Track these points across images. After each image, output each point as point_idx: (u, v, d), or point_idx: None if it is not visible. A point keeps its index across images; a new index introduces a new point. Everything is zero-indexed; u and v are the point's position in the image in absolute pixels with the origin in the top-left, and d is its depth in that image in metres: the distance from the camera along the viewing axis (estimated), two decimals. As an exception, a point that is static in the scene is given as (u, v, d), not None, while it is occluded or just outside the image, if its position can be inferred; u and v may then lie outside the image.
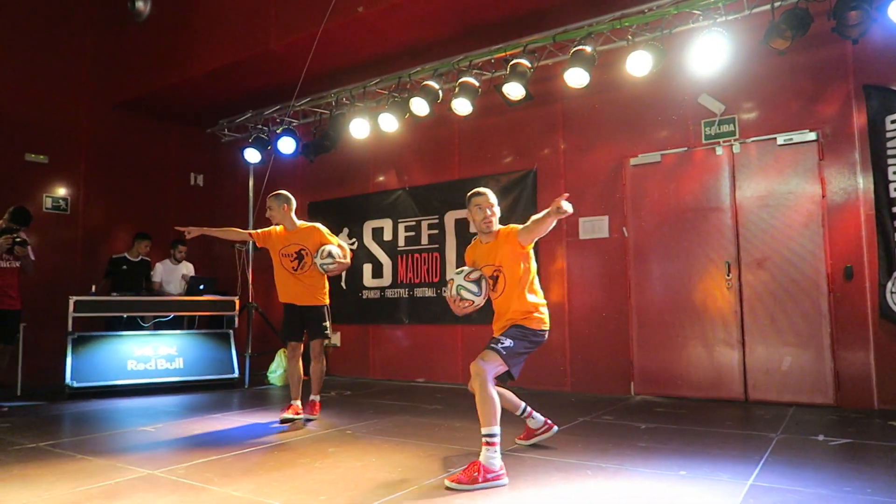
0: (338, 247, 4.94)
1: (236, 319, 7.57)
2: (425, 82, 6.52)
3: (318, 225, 5.11)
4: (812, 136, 5.42)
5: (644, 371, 6.07)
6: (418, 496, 2.93)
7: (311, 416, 4.96)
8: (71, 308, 6.52)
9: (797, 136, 5.48)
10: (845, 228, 5.31)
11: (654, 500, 2.85)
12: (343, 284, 8.30)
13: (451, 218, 7.44)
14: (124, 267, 7.49)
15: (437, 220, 7.56)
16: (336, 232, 8.44)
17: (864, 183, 5.26)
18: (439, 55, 6.69)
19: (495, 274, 3.58)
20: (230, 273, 8.33)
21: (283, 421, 4.78)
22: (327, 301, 5.09)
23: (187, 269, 7.82)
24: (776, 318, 5.47)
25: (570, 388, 6.40)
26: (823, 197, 5.37)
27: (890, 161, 5.10)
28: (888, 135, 5.11)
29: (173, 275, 7.70)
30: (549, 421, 3.96)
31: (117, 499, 2.95)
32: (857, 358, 5.17)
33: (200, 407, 5.84)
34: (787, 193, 5.51)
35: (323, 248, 4.88)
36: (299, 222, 5.07)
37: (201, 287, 7.46)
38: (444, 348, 7.40)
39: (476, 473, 3.03)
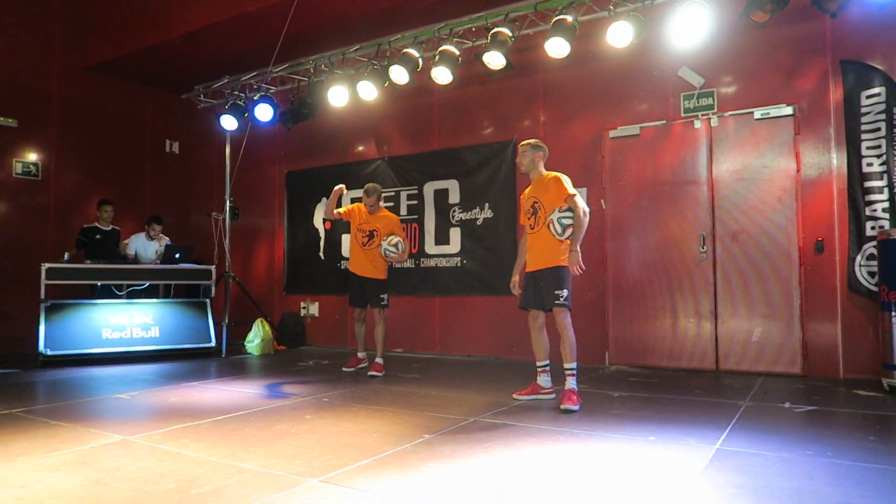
0: (403, 241, 5.65)
1: (213, 288, 7.52)
2: (405, 50, 6.43)
3: (397, 218, 5.98)
4: (788, 110, 5.47)
5: (619, 342, 6.17)
6: (393, 460, 2.97)
7: (374, 373, 5.62)
8: (43, 275, 6.43)
9: (774, 111, 5.53)
10: (818, 203, 5.39)
11: (623, 463, 2.92)
12: (322, 255, 8.27)
13: (430, 188, 7.42)
14: (98, 236, 7.37)
15: (416, 191, 7.53)
16: (314, 202, 8.43)
17: (837, 158, 5.33)
18: (419, 22, 6.59)
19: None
20: (207, 242, 8.24)
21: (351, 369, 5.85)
22: (385, 276, 5.82)
23: (162, 245, 7.69)
24: (748, 291, 5.57)
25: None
26: (798, 171, 5.44)
27: (864, 136, 5.17)
28: (863, 110, 5.18)
29: (148, 250, 7.59)
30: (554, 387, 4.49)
31: (92, 463, 2.94)
32: (824, 329, 5.31)
33: (177, 375, 5.82)
34: (763, 167, 5.58)
35: (393, 237, 5.60)
36: (382, 211, 5.92)
37: (177, 256, 7.38)
38: (422, 319, 7.43)
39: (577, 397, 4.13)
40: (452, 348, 7.19)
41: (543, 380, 4.48)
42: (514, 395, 4.50)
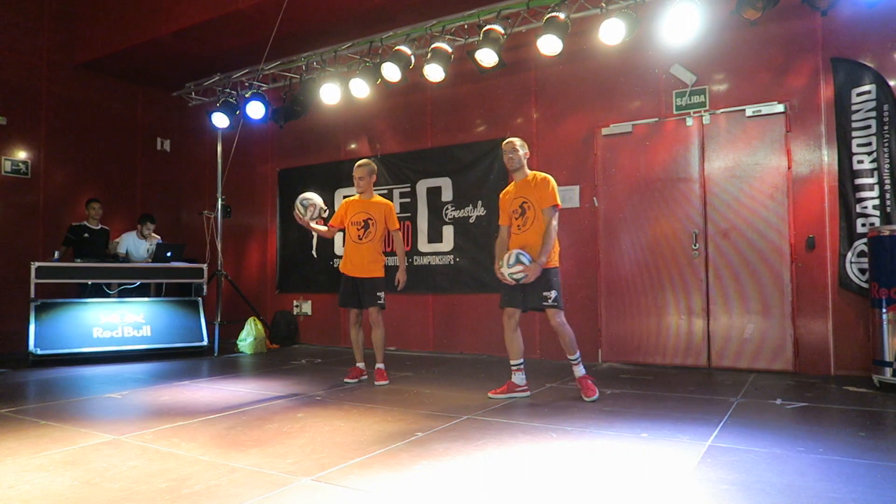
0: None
1: (205, 287, 7.48)
2: (397, 47, 6.41)
3: (392, 204, 5.52)
4: (780, 107, 5.49)
5: (612, 339, 6.18)
6: (386, 458, 2.96)
7: (380, 383, 5.17)
8: (32, 274, 6.38)
9: (765, 108, 5.54)
10: (809, 200, 5.41)
11: (615, 460, 2.93)
12: (314, 253, 8.25)
13: (423, 187, 7.41)
14: (86, 235, 7.32)
15: (409, 189, 7.51)
16: (307, 199, 8.37)
17: (828, 155, 5.35)
18: (411, 19, 6.58)
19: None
20: (199, 240, 8.20)
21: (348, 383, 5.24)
22: (382, 273, 5.37)
23: (153, 244, 7.64)
24: (740, 288, 5.59)
25: (539, 355, 6.48)
26: (789, 169, 5.46)
27: (854, 134, 5.19)
28: (853, 108, 5.20)
29: (139, 249, 7.56)
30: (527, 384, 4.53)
31: (82, 463, 2.92)
32: (816, 326, 5.33)
33: (168, 375, 5.79)
34: (755, 165, 5.59)
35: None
36: (375, 197, 5.44)
37: (169, 254, 7.34)
38: (415, 317, 7.42)
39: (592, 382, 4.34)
40: (445, 346, 7.18)
41: (518, 377, 4.48)
42: (490, 394, 4.47)
